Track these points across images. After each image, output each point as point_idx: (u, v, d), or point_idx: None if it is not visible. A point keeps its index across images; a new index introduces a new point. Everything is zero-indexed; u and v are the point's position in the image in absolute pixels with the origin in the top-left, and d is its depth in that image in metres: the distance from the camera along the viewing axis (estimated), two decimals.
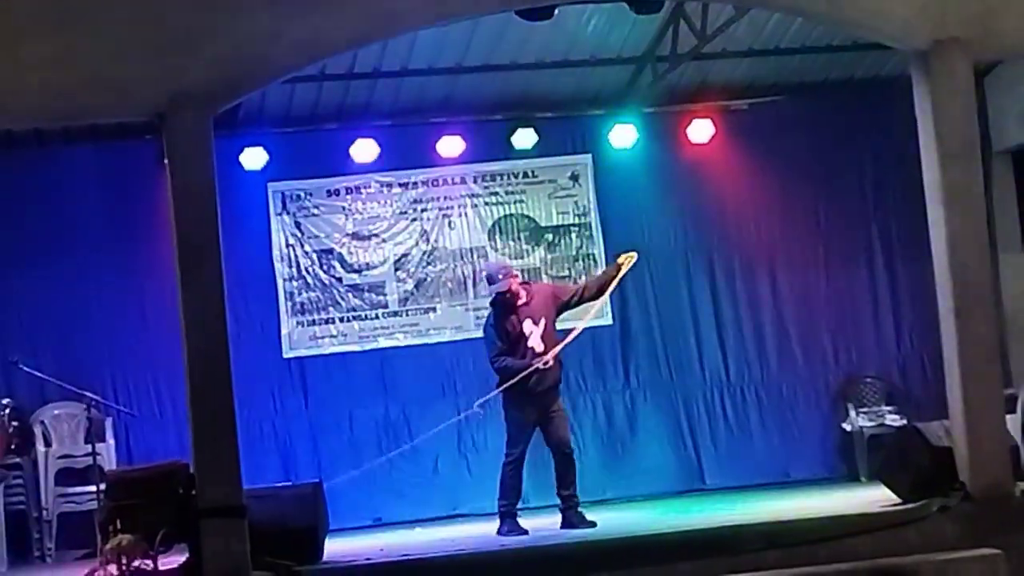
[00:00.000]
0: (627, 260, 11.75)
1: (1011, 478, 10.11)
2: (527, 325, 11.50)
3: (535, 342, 11.47)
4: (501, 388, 11.49)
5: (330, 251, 14.30)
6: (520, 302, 11.55)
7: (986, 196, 10.65)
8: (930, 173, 10.39)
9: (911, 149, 10.82)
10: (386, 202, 14.44)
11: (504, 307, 11.56)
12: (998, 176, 14.34)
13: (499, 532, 11.48)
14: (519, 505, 11.65)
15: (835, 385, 14.66)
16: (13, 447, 12.97)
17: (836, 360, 14.74)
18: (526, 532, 11.38)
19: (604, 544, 10.41)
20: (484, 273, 12.32)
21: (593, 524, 11.38)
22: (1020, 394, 12.73)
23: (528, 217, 14.62)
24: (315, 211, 14.29)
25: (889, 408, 14.23)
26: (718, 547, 9.87)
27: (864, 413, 14.23)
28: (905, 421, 13.35)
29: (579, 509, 11.54)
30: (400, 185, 14.44)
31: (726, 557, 9.64)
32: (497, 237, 14.54)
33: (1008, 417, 11.09)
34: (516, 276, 11.75)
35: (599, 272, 12.75)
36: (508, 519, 11.54)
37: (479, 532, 11.99)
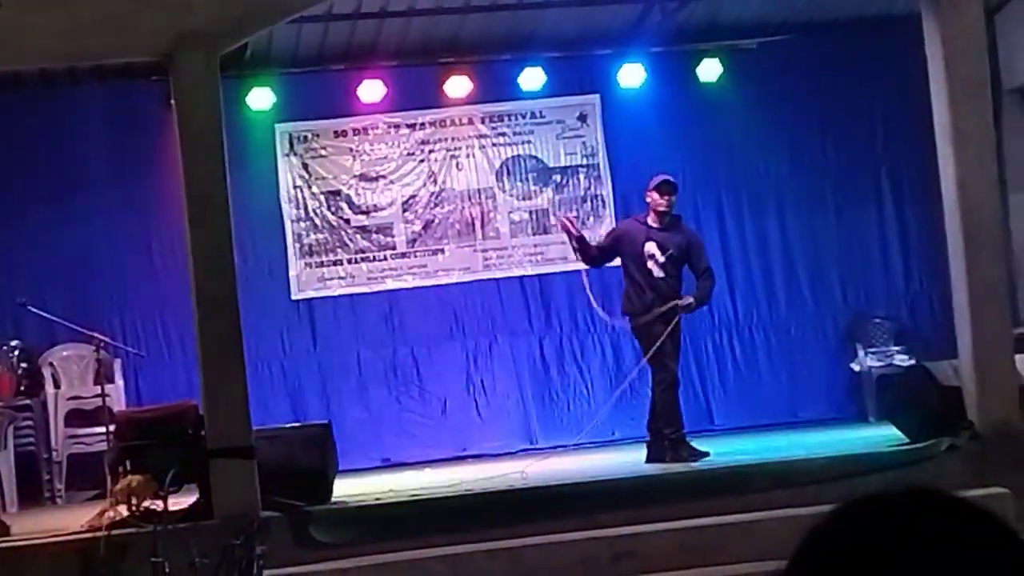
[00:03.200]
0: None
1: (1019, 417, 10.11)
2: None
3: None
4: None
5: (338, 192, 14.27)
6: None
7: (996, 135, 10.62)
8: (940, 111, 10.36)
9: (921, 89, 10.78)
10: (393, 143, 14.39)
11: None
12: (1008, 115, 14.26)
13: (669, 460, 11.24)
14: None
15: (844, 325, 14.66)
16: (22, 389, 13.02)
17: (845, 300, 14.73)
18: (707, 454, 11.26)
19: (612, 484, 10.46)
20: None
21: (706, 454, 11.28)
22: None
23: (536, 158, 14.57)
24: (322, 152, 14.25)
25: (897, 348, 14.22)
26: (726, 487, 9.91)
27: (872, 353, 14.23)
28: (913, 361, 13.33)
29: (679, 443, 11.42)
30: (407, 126, 14.39)
31: (734, 496, 9.68)
32: (505, 178, 14.49)
33: (1017, 356, 11.08)
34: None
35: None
36: (683, 444, 11.36)
37: (488, 472, 12.02)
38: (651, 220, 11.57)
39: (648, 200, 11.64)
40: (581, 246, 11.60)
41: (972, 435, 10.03)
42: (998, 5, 13.83)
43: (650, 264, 11.44)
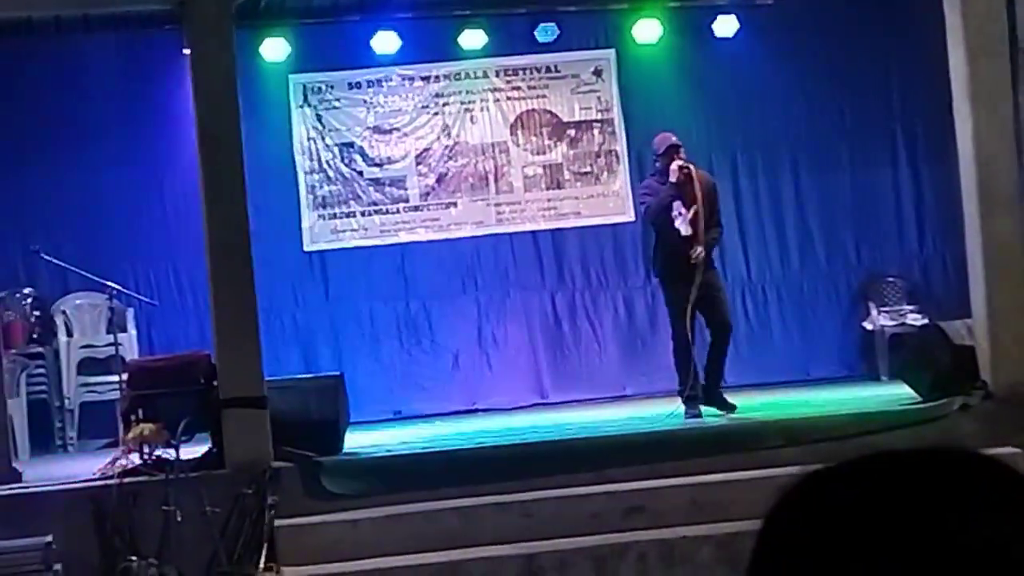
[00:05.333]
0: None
1: None
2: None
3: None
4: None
5: (351, 144, 14.24)
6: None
7: (1013, 93, 10.57)
8: (957, 69, 10.31)
9: (938, 47, 10.73)
10: (408, 96, 14.35)
11: None
12: None
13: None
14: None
15: (856, 284, 14.62)
16: (35, 337, 13.04)
17: (858, 259, 14.69)
18: (697, 415, 11.22)
19: (623, 439, 10.47)
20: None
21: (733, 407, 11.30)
22: None
23: (550, 112, 14.52)
24: (336, 104, 14.22)
25: (911, 307, 14.18)
26: (738, 443, 9.94)
27: (885, 312, 14.19)
28: (926, 320, 13.31)
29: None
30: (422, 78, 14.35)
31: (745, 453, 9.69)
32: (519, 132, 14.45)
33: None
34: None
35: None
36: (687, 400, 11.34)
37: (498, 426, 12.05)
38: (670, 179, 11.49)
39: (663, 165, 11.56)
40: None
41: (985, 395, 10.03)
42: None
43: (678, 223, 11.41)
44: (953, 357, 10.42)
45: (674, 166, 11.43)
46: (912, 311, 14.10)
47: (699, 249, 11.29)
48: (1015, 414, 9.79)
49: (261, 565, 8.95)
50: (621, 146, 14.52)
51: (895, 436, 9.57)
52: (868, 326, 14.28)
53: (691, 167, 11.51)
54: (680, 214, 11.38)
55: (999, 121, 10.27)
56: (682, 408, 11.23)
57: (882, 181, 14.77)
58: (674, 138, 11.76)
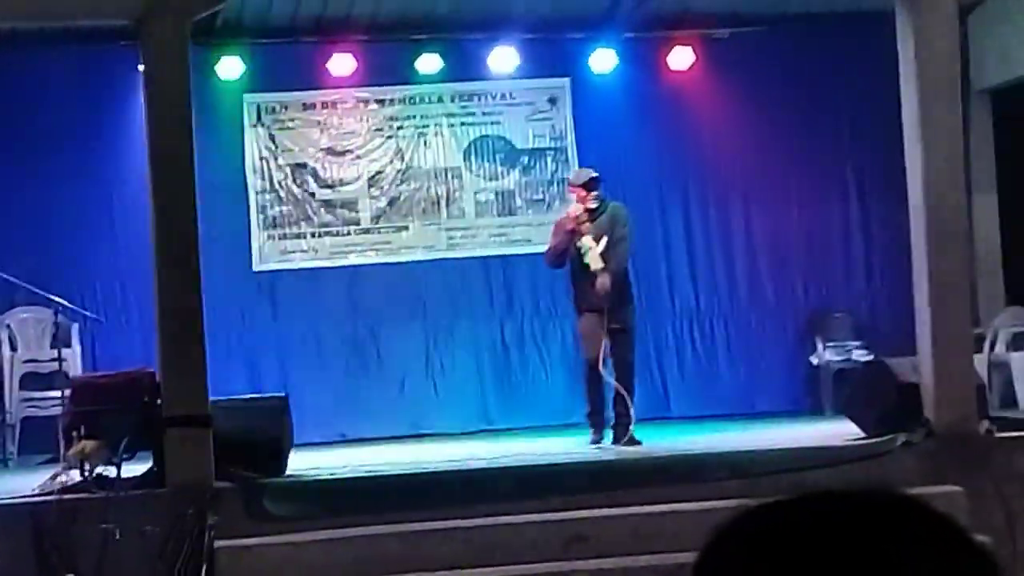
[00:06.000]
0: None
1: (976, 417, 10.17)
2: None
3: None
4: None
5: (304, 165, 14.21)
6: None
7: (963, 135, 10.65)
8: (909, 109, 10.38)
9: (890, 87, 10.80)
10: (362, 118, 14.34)
11: None
12: (976, 115, 14.31)
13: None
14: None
15: (803, 319, 14.68)
16: None
17: (806, 294, 14.75)
18: (597, 441, 11.47)
19: (568, 467, 10.46)
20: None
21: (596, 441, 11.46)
22: (988, 333, 12.81)
23: (504, 139, 14.54)
24: (290, 124, 14.19)
25: (857, 343, 14.24)
26: (682, 474, 9.93)
27: (832, 347, 14.25)
28: (872, 356, 13.37)
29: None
30: (377, 101, 14.34)
31: (689, 485, 9.70)
32: (472, 158, 14.46)
33: (975, 356, 11.14)
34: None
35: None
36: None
37: (443, 452, 12.03)
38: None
39: (574, 196, 11.78)
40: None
41: (928, 433, 10.06)
42: (971, 5, 13.87)
43: (589, 257, 11.56)
44: (897, 394, 10.46)
45: (572, 210, 11.64)
46: (858, 347, 14.17)
47: (603, 281, 11.35)
48: (958, 453, 9.84)
49: None
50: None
51: (838, 472, 9.60)
52: (814, 361, 14.33)
53: (591, 209, 11.63)
54: (591, 248, 11.49)
55: (949, 162, 10.34)
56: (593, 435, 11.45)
57: (831, 216, 14.85)
58: (592, 173, 11.88)
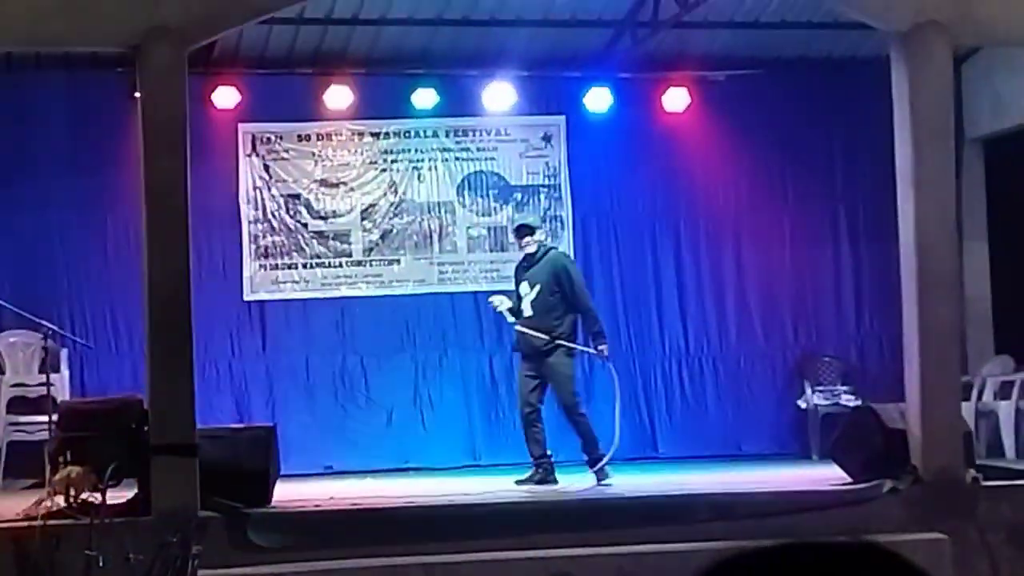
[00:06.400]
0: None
1: (962, 464, 10.16)
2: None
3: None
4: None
5: (297, 196, 14.22)
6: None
7: (956, 181, 10.68)
8: (903, 156, 10.41)
9: (883, 132, 10.85)
10: (356, 150, 14.37)
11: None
12: (968, 164, 14.36)
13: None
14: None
15: (792, 362, 14.70)
16: None
17: (795, 337, 14.77)
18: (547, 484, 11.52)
19: (553, 505, 10.45)
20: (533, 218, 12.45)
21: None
22: (976, 381, 12.82)
23: (498, 175, 14.57)
24: (284, 155, 14.21)
25: (845, 388, 14.26)
26: (667, 515, 9.91)
27: (820, 391, 14.27)
28: (860, 402, 13.38)
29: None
30: (372, 134, 14.37)
31: (674, 526, 9.68)
32: (466, 193, 14.48)
33: (963, 404, 11.15)
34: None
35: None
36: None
37: (429, 486, 12.00)
38: (524, 260, 11.94)
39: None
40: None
41: (914, 479, 10.06)
42: (965, 55, 13.94)
43: (523, 304, 11.72)
44: (885, 440, 10.45)
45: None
46: (846, 392, 14.18)
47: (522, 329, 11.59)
48: (943, 500, 9.84)
49: None
50: (566, 212, 14.58)
51: (823, 516, 9.59)
52: (802, 404, 14.34)
53: (528, 255, 11.79)
54: (525, 295, 11.69)
55: (941, 208, 10.37)
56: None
57: (823, 260, 14.88)
58: (525, 220, 12.14)
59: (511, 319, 11.77)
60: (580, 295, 11.72)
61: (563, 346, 11.58)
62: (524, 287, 11.72)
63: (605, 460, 11.49)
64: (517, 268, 12.02)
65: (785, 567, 1.58)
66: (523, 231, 11.90)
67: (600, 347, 11.74)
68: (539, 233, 11.94)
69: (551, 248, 12.19)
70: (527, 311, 11.64)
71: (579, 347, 11.80)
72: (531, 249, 11.79)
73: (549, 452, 11.70)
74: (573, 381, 11.85)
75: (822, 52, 14.79)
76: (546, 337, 11.52)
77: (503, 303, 11.84)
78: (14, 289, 12.76)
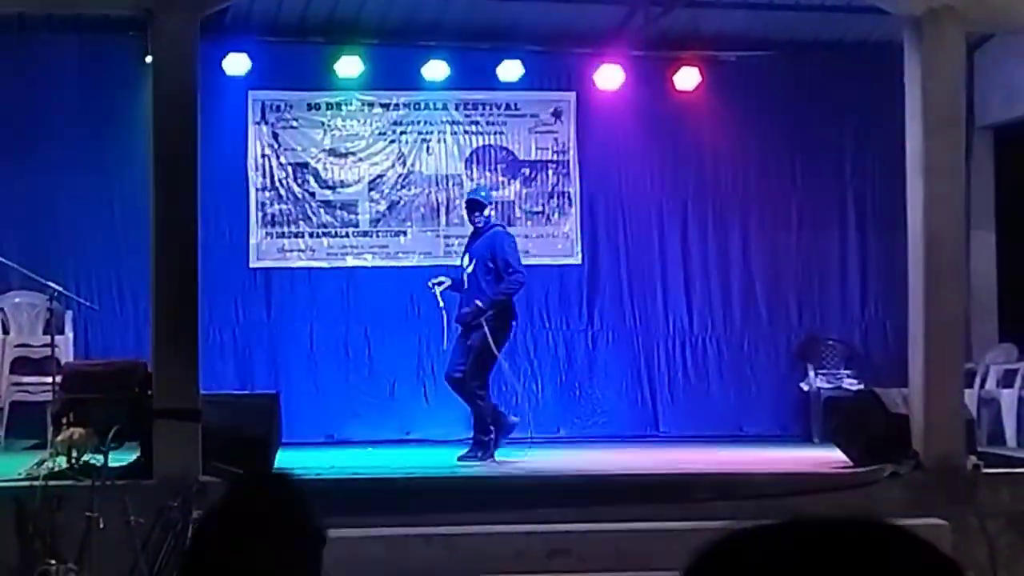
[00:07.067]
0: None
1: (963, 451, 10.18)
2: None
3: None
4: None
5: (305, 165, 14.22)
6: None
7: (965, 169, 10.68)
8: (913, 142, 10.40)
9: (894, 117, 10.84)
10: (366, 121, 14.36)
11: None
12: (978, 152, 14.35)
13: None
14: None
15: (796, 344, 14.70)
16: None
17: (799, 320, 14.77)
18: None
19: (555, 480, 10.47)
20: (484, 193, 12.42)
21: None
22: (979, 368, 12.83)
23: (507, 149, 14.56)
24: (294, 123, 14.20)
25: (848, 372, 14.27)
26: (668, 493, 9.93)
27: (822, 375, 14.28)
28: (862, 386, 13.39)
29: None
30: (381, 105, 14.36)
31: (674, 504, 9.69)
32: (474, 166, 14.48)
33: (966, 391, 11.15)
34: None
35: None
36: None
37: (430, 457, 12.04)
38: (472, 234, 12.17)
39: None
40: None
41: (915, 465, 10.07)
42: (977, 42, 13.90)
43: (464, 276, 11.98)
44: (886, 425, 10.47)
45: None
46: (849, 376, 14.20)
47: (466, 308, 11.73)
48: (943, 486, 9.85)
49: None
50: (574, 188, 14.56)
51: (823, 499, 9.60)
52: (804, 387, 14.35)
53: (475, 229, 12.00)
54: (466, 268, 11.94)
55: (950, 196, 10.36)
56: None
57: (829, 243, 14.87)
58: (476, 196, 12.26)
59: (442, 294, 12.03)
60: (504, 275, 11.83)
61: (487, 324, 11.70)
62: (465, 259, 12.00)
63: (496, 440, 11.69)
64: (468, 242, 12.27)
65: (791, 545, 1.57)
66: (473, 206, 12.06)
67: (463, 313, 11.88)
68: (487, 209, 12.06)
69: (495, 225, 12.25)
70: (465, 283, 11.91)
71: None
72: (479, 224, 11.95)
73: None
74: (490, 361, 11.92)
75: (834, 35, 14.75)
76: (474, 311, 11.71)
77: (441, 285, 12.09)
78: (21, 250, 12.75)
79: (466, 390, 11.85)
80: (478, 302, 11.74)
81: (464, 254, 12.11)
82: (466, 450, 11.83)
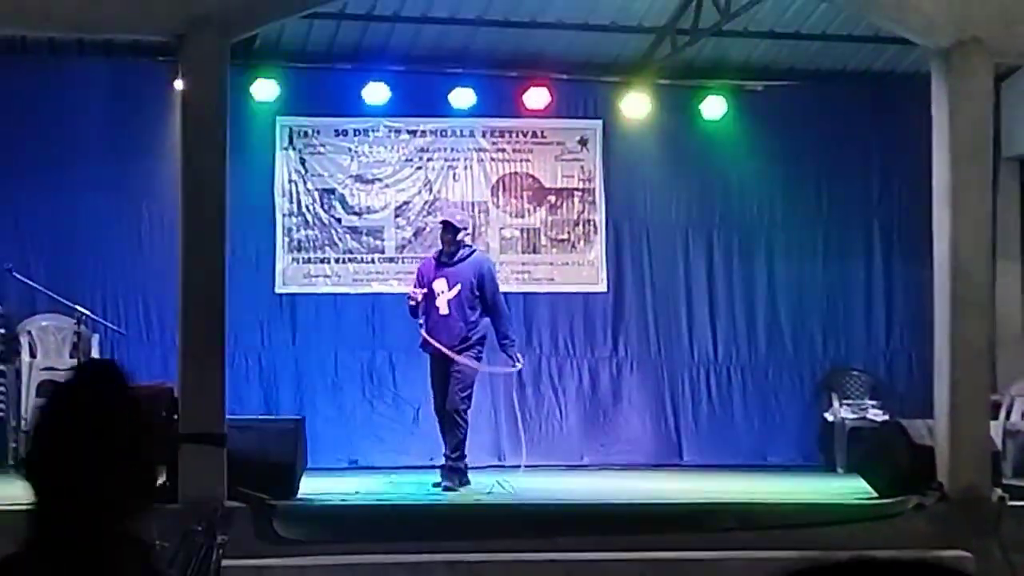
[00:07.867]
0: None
1: (988, 483, 10.13)
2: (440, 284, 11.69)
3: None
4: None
5: (332, 191, 14.27)
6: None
7: (992, 200, 10.66)
8: (940, 172, 10.39)
9: (919, 147, 10.83)
10: (393, 147, 14.40)
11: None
12: (1004, 182, 14.33)
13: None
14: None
15: (821, 374, 14.68)
16: None
17: (824, 349, 14.75)
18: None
19: (577, 509, 10.46)
20: (458, 217, 12.28)
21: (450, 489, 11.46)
22: (1004, 400, 12.78)
23: (533, 177, 14.59)
24: (321, 149, 14.25)
25: (873, 402, 14.24)
26: (691, 522, 9.91)
27: (847, 405, 14.24)
28: (887, 416, 13.36)
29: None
30: (408, 132, 14.40)
31: (697, 533, 9.68)
32: (500, 193, 14.50)
33: (992, 423, 11.11)
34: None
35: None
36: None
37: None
38: (442, 257, 11.83)
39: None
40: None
41: (940, 496, 10.04)
42: (1005, 73, 13.90)
43: (438, 300, 11.65)
44: (911, 456, 10.44)
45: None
46: (874, 406, 14.16)
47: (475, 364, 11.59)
48: (969, 519, 9.81)
49: None
50: (600, 216, 14.58)
51: (848, 530, 9.57)
52: (829, 417, 14.32)
53: (451, 253, 11.74)
54: (442, 292, 11.62)
55: (976, 226, 10.35)
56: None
57: (855, 273, 14.86)
58: (452, 219, 11.98)
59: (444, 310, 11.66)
60: (498, 301, 11.74)
61: (474, 349, 11.60)
62: (441, 284, 11.67)
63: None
64: (430, 264, 11.91)
65: None
66: (449, 228, 11.80)
67: (511, 353, 11.79)
68: (462, 234, 11.88)
69: (476, 250, 12.21)
70: (443, 309, 11.62)
71: (497, 369, 11.99)
72: (451, 248, 11.72)
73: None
74: (471, 386, 11.83)
75: (861, 65, 14.77)
76: (459, 336, 11.55)
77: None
78: (48, 273, 12.82)
79: (460, 418, 11.74)
80: (470, 328, 11.59)
81: (436, 278, 11.73)
82: (441, 478, 11.60)
